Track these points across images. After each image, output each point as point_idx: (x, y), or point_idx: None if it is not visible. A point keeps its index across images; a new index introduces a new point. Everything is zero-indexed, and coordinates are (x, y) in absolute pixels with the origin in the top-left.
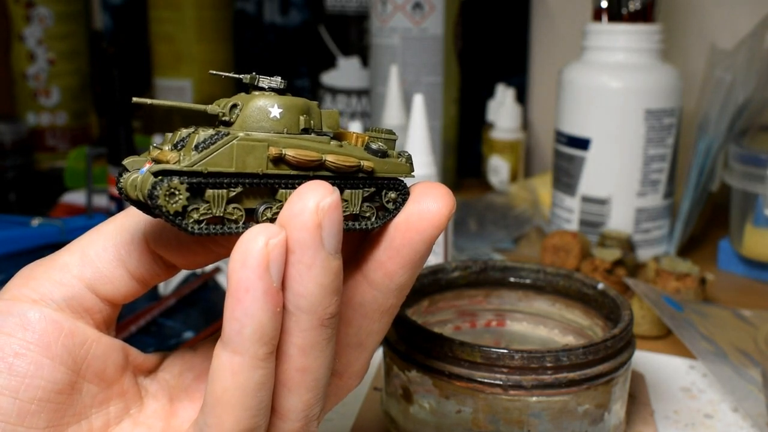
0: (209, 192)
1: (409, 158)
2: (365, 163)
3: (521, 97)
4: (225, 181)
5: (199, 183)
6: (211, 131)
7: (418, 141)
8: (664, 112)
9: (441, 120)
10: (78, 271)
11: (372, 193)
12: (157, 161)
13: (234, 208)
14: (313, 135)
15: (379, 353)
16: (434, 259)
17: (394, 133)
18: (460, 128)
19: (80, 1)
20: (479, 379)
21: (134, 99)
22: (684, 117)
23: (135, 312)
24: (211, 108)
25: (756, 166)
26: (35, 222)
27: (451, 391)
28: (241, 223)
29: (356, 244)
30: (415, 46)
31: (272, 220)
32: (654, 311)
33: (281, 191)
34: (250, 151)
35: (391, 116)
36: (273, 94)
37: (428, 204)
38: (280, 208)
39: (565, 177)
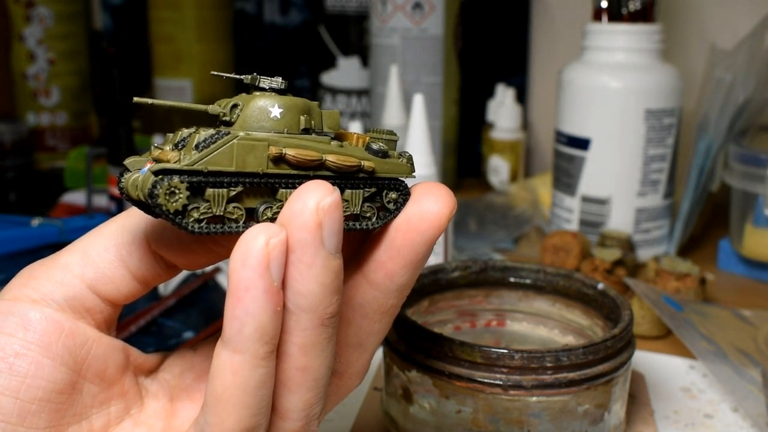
0: (209, 191)
1: (409, 159)
2: (366, 163)
3: (521, 97)
4: (225, 180)
5: (199, 182)
6: (211, 131)
7: (418, 141)
8: (664, 112)
9: (441, 120)
10: (79, 272)
11: (373, 194)
12: (158, 161)
13: (234, 207)
14: (313, 135)
15: (379, 353)
16: (434, 259)
17: (395, 134)
18: (460, 128)
19: (80, 1)
20: (479, 379)
21: (135, 99)
22: (684, 117)
23: (135, 312)
24: (212, 108)
25: (756, 166)
26: (35, 222)
27: (451, 391)
28: (241, 222)
29: (357, 244)
30: (415, 46)
31: (272, 219)
32: (654, 311)
33: (281, 191)
34: (250, 151)
35: (391, 116)
36: (274, 94)
37: (429, 204)
38: (281, 207)
39: (565, 177)
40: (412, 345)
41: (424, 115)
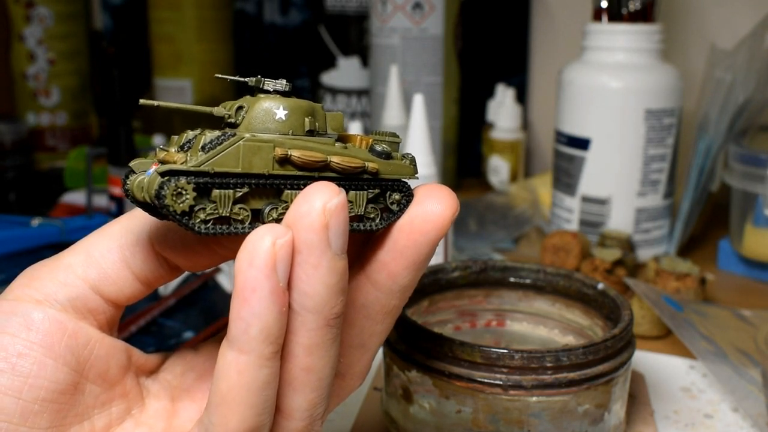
0: (216, 192)
1: (412, 160)
2: (370, 165)
3: (521, 97)
4: (231, 181)
5: (205, 183)
6: (217, 132)
7: (418, 141)
8: (664, 112)
9: (441, 120)
10: (82, 272)
11: (376, 195)
12: (163, 163)
13: (240, 208)
14: (318, 137)
15: (379, 353)
16: (434, 259)
17: (397, 136)
18: (460, 128)
19: (80, 1)
20: (479, 379)
21: (141, 101)
22: (684, 117)
23: (135, 312)
24: (217, 110)
25: (756, 166)
26: (35, 222)
27: (451, 391)
28: (247, 223)
29: (360, 245)
30: (415, 46)
31: (278, 220)
32: (654, 311)
33: (287, 192)
34: (256, 152)
35: (391, 116)
36: (278, 96)
37: (432, 206)
38: (286, 208)
39: (565, 177)
40: (412, 345)
41: (424, 115)
